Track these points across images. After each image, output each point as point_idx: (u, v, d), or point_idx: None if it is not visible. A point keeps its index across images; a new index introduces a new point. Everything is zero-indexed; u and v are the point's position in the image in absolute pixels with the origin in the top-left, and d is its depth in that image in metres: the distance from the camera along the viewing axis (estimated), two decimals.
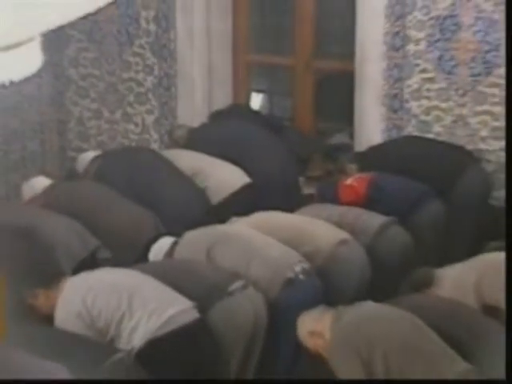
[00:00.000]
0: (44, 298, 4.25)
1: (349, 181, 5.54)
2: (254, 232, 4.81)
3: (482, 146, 6.12)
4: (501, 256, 4.58)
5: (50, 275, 4.47)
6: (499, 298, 4.26)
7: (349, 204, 5.40)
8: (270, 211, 5.18)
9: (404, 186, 5.50)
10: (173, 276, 4.33)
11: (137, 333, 4.10)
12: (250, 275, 4.43)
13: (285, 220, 5.09)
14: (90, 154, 6.11)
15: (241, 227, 4.94)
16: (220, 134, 6.18)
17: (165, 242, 4.85)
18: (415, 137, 6.16)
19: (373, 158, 5.88)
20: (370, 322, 3.89)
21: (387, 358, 3.74)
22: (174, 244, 4.81)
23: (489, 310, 4.25)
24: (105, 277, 4.34)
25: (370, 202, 5.41)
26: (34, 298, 4.27)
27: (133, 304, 4.12)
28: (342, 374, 3.78)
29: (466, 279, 4.37)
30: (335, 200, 5.46)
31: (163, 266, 4.64)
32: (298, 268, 4.46)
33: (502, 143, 6.11)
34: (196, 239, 4.82)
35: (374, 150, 6.01)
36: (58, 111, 7.26)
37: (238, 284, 4.28)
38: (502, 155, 6.08)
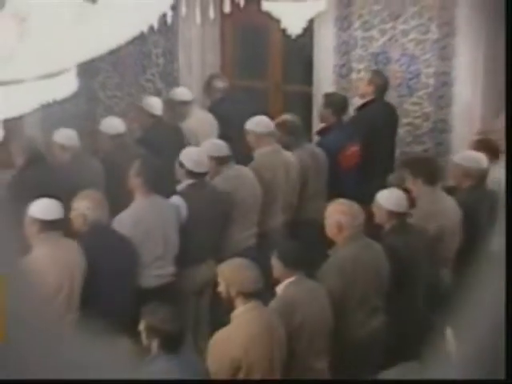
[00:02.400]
0: None
1: (349, 151, 5.37)
2: None
3: (407, 149, 6.17)
4: None
5: None
6: None
7: (347, 168, 5.30)
8: None
9: None
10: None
11: (148, 276, 4.12)
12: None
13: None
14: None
15: None
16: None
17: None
18: None
19: None
20: (356, 261, 3.84)
21: (361, 285, 3.78)
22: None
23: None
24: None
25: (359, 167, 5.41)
26: None
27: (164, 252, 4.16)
28: (325, 278, 3.74)
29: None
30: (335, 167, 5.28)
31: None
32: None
33: (422, 147, 6.17)
34: None
35: None
36: (90, 124, 7.24)
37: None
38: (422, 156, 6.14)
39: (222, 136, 5.51)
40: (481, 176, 4.52)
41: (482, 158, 4.58)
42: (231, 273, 3.46)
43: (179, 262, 4.29)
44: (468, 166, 4.50)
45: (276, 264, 3.66)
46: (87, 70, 6.91)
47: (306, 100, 6.52)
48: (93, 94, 7.16)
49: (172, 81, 6.85)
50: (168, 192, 4.43)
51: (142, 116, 5.64)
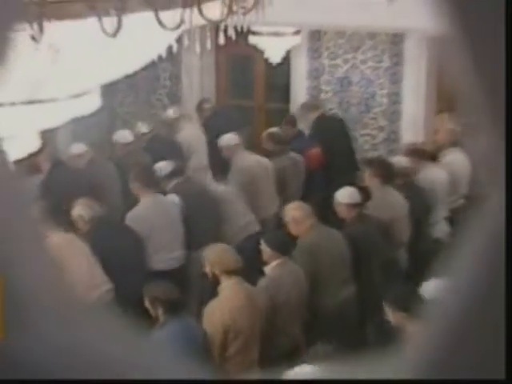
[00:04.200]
0: None
1: (311, 153, 5.37)
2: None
3: (365, 154, 6.20)
4: None
5: None
6: None
7: (315, 167, 5.28)
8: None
9: None
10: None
11: (159, 261, 4.07)
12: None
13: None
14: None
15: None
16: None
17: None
18: None
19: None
20: (320, 245, 3.84)
21: (325, 264, 3.77)
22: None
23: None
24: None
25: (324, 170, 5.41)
26: None
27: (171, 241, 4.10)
28: (298, 262, 3.69)
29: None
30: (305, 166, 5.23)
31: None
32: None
33: (377, 153, 6.20)
34: None
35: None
36: (110, 135, 7.19)
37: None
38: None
39: (212, 146, 5.54)
40: (403, 174, 4.56)
41: (401, 161, 4.67)
42: (214, 255, 3.46)
43: (187, 248, 4.25)
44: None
45: (265, 249, 3.65)
46: (108, 90, 6.86)
47: (285, 116, 6.51)
48: (112, 110, 7.13)
49: (176, 100, 6.84)
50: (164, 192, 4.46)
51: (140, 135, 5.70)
